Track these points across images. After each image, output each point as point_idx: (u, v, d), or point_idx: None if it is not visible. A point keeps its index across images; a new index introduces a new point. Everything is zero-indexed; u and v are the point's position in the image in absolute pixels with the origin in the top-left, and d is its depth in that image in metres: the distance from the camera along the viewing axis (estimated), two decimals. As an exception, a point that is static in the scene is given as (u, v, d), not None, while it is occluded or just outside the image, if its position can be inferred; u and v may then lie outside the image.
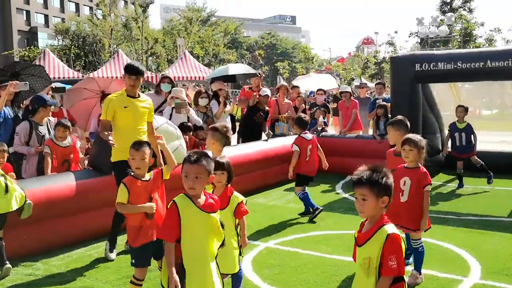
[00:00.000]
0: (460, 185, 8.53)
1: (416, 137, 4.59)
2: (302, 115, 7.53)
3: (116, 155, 5.38)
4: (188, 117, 8.19)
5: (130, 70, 5.31)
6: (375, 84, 12.60)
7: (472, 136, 8.46)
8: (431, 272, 4.81)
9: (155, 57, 47.76)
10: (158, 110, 8.43)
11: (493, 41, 30.87)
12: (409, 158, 4.55)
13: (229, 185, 3.99)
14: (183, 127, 7.62)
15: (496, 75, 8.86)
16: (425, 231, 4.65)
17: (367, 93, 13.79)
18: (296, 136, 7.01)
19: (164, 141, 4.84)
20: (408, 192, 4.53)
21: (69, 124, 6.54)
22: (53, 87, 8.27)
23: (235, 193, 3.98)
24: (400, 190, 4.56)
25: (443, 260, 5.15)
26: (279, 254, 5.47)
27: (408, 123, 5.41)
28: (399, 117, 5.55)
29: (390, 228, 2.78)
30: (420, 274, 4.60)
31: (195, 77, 23.95)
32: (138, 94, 5.50)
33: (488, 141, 8.67)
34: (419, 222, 4.51)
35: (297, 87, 12.70)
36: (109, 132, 5.24)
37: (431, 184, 4.58)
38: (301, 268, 5.02)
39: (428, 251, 5.25)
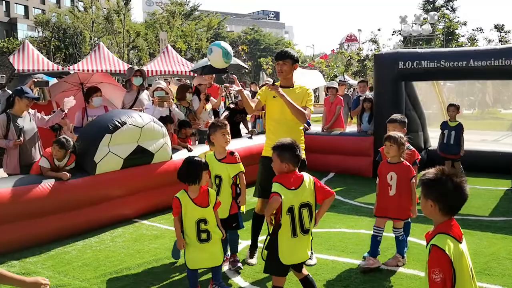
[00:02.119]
0: None
1: (397, 134, 4.91)
2: None
3: (264, 150, 5.18)
4: (170, 111, 8.08)
5: (275, 56, 5.07)
6: (358, 82, 12.63)
7: (461, 136, 8.48)
8: (412, 272, 4.80)
9: (136, 51, 47.22)
10: (134, 106, 8.31)
11: (475, 40, 31.21)
12: (390, 153, 4.87)
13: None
14: (165, 119, 7.51)
15: (478, 74, 8.93)
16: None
17: (346, 91, 13.80)
18: None
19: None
20: (396, 186, 4.85)
21: (67, 143, 5.96)
22: (35, 80, 8.07)
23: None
24: (388, 185, 4.88)
25: (424, 260, 5.11)
26: (261, 252, 5.40)
27: (406, 121, 5.70)
28: (398, 115, 5.83)
29: (440, 238, 2.49)
30: (403, 257, 4.97)
31: (177, 71, 23.75)
32: (292, 85, 5.08)
33: (468, 140, 8.71)
34: (406, 212, 4.91)
35: None
36: None
37: (415, 176, 4.88)
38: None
39: (409, 250, 5.29)
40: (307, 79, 20.18)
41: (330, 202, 3.79)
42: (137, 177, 6.70)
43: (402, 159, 4.89)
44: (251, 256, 5.17)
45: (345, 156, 9.62)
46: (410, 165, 4.92)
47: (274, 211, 3.57)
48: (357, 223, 6.47)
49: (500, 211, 7.10)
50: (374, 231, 5.01)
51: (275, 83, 5.01)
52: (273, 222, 3.58)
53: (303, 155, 3.73)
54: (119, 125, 6.37)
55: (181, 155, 7.44)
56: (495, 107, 15.71)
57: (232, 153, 4.88)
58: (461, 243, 2.52)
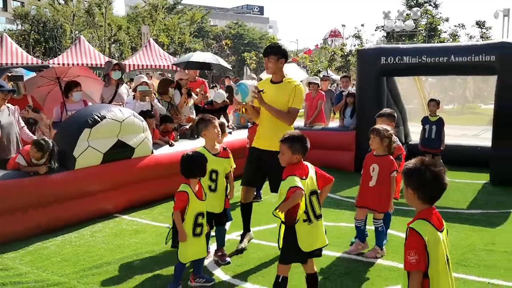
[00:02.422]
0: None
1: (382, 127, 4.99)
2: None
3: (254, 142, 5.36)
4: (152, 106, 8.03)
5: (264, 52, 5.14)
6: (341, 77, 12.68)
7: (442, 131, 8.58)
8: (391, 263, 4.86)
9: (118, 45, 46.75)
10: (113, 100, 8.23)
11: (457, 36, 31.53)
12: (373, 145, 4.99)
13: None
14: (146, 113, 7.47)
15: (459, 70, 9.03)
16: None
17: (329, 86, 13.85)
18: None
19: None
20: (376, 178, 4.94)
21: (46, 145, 5.82)
22: (9, 75, 7.93)
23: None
24: (370, 176, 4.98)
25: (403, 252, 5.19)
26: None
27: (395, 115, 5.79)
28: (387, 109, 5.97)
29: (419, 223, 2.61)
30: (381, 249, 5.05)
31: (160, 66, 23.59)
32: (282, 80, 5.13)
33: (449, 134, 8.83)
34: (383, 205, 4.99)
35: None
36: None
37: (397, 171, 4.91)
38: (264, 260, 4.99)
39: (389, 243, 5.35)
40: (290, 75, 20.33)
41: (329, 188, 3.91)
42: (118, 172, 6.65)
43: (387, 152, 4.96)
44: (242, 240, 5.36)
45: (327, 151, 9.65)
46: (393, 159, 4.98)
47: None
48: (338, 216, 6.51)
49: (478, 204, 7.21)
50: (355, 223, 5.13)
51: (268, 77, 5.17)
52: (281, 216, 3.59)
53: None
54: (99, 119, 6.31)
55: (163, 150, 7.42)
56: (475, 102, 15.93)
57: (224, 148, 4.95)
58: (440, 231, 2.63)
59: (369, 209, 5.09)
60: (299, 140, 3.73)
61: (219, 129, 4.91)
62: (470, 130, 12.63)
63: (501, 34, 32.18)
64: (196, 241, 4.21)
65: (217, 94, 9.21)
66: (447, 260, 2.65)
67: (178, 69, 14.18)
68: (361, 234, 5.16)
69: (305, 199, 3.57)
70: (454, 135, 10.50)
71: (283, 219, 3.61)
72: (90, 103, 7.82)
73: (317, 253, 3.75)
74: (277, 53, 5.03)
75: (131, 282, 4.48)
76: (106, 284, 4.43)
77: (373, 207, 5.04)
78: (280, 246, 3.69)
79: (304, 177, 3.61)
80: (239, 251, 5.20)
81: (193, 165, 4.24)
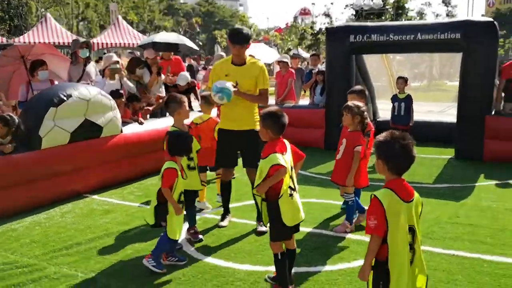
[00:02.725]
0: None
1: (354, 103, 5.07)
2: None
3: (220, 123, 5.43)
4: (121, 84, 7.92)
5: (232, 38, 5.04)
6: (310, 56, 12.72)
7: (410, 107, 8.73)
8: (359, 238, 4.97)
9: (86, 22, 45.61)
10: (81, 79, 8.09)
11: (424, 14, 31.90)
12: (345, 122, 5.09)
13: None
14: (114, 94, 7.37)
15: (425, 47, 9.16)
16: (360, 189, 5.35)
17: (299, 64, 13.87)
18: None
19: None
20: (343, 152, 5.07)
21: (11, 120, 5.80)
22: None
23: None
24: (338, 150, 5.15)
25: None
26: (214, 223, 5.46)
27: (366, 92, 5.87)
28: (358, 86, 6.05)
29: (383, 192, 2.77)
30: (350, 224, 5.14)
31: (129, 44, 23.18)
32: (245, 62, 5.16)
33: (416, 111, 8.99)
34: (346, 178, 5.07)
35: None
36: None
37: (361, 145, 4.98)
38: (235, 237, 5.05)
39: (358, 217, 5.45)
40: (261, 54, 20.26)
41: (301, 164, 3.97)
42: (86, 152, 6.57)
43: (359, 129, 5.05)
44: (223, 219, 5.45)
45: (298, 128, 9.71)
46: (361, 134, 5.05)
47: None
48: (308, 192, 6.60)
49: (444, 178, 7.42)
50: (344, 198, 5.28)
51: (226, 59, 5.22)
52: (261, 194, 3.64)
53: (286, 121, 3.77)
54: (65, 98, 6.20)
55: (132, 129, 7.35)
56: (442, 79, 16.22)
57: (189, 127, 4.97)
58: (407, 202, 2.75)
59: (337, 184, 5.23)
60: (270, 116, 3.73)
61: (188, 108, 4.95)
62: (437, 107, 12.91)
63: (466, 12, 32.67)
64: (179, 219, 4.27)
65: (180, 77, 9.04)
66: (414, 231, 2.74)
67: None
68: (349, 212, 5.19)
69: (289, 174, 3.63)
70: (421, 112, 10.71)
71: (263, 197, 3.65)
72: (57, 82, 7.66)
73: (297, 227, 3.79)
74: (248, 42, 5.10)
75: (102, 262, 4.47)
76: (77, 265, 4.41)
77: (338, 180, 5.17)
78: (266, 224, 3.74)
79: (284, 153, 3.65)
80: (220, 226, 5.33)
81: (180, 143, 4.28)
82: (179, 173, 4.23)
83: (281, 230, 3.65)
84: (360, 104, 5.12)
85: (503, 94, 9.04)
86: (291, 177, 3.67)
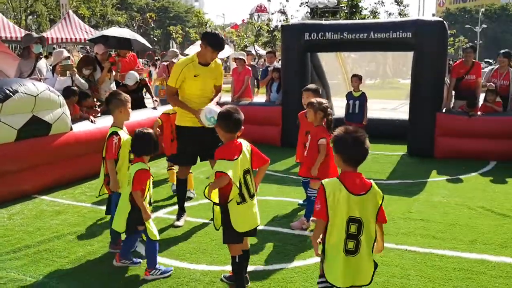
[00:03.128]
0: None
1: (317, 100, 5.16)
2: None
3: (180, 120, 5.32)
4: (72, 81, 7.68)
5: (217, 47, 4.99)
6: (266, 53, 12.75)
7: (365, 105, 8.86)
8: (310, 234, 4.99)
9: (35, 16, 44.08)
10: (32, 75, 7.82)
11: (377, 13, 32.48)
12: (309, 117, 5.20)
13: None
14: (68, 91, 7.14)
15: (378, 46, 9.32)
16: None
17: (253, 61, 13.92)
18: None
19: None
20: (308, 147, 5.19)
21: None
22: None
23: None
24: (305, 146, 5.28)
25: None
26: (169, 223, 5.37)
27: (319, 90, 5.93)
28: (312, 85, 6.14)
29: (331, 180, 2.95)
30: (307, 221, 5.18)
31: (80, 39, 22.56)
32: (209, 62, 5.20)
33: (370, 108, 9.16)
34: (309, 171, 5.13)
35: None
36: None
37: (325, 138, 5.02)
38: (191, 237, 4.98)
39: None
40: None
41: (265, 169, 3.85)
42: (34, 150, 6.31)
43: (322, 124, 5.15)
44: (178, 218, 5.36)
45: (254, 126, 9.71)
46: (324, 128, 5.14)
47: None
48: (265, 190, 6.59)
49: (396, 174, 7.59)
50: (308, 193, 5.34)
51: (191, 59, 5.16)
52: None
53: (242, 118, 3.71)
54: (10, 93, 5.94)
55: (83, 126, 7.13)
56: (395, 77, 16.59)
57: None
58: (356, 195, 2.86)
59: (305, 177, 5.34)
60: (222, 115, 3.69)
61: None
62: (390, 104, 13.19)
63: (417, 11, 33.53)
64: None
65: (128, 76, 8.82)
66: (361, 223, 2.86)
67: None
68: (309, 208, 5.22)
69: (240, 179, 3.52)
70: (375, 109, 10.92)
71: (215, 201, 3.58)
72: (1, 78, 7.36)
73: (252, 232, 3.71)
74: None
75: (52, 265, 4.31)
76: (26, 269, 4.23)
77: (305, 174, 5.25)
78: (217, 227, 3.68)
79: (236, 157, 3.53)
80: (175, 226, 5.24)
81: (148, 142, 4.13)
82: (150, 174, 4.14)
83: (231, 234, 3.59)
84: (323, 100, 5.21)
85: (453, 92, 9.34)
86: (246, 182, 3.58)
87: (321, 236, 2.96)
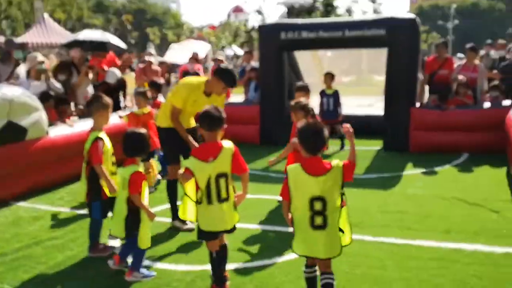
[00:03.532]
0: (342, 146, 9.22)
1: (296, 101, 5.31)
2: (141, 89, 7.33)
3: (162, 122, 5.32)
4: (47, 85, 7.63)
5: (230, 84, 5.00)
6: (244, 53, 12.80)
7: (339, 102, 8.97)
8: (290, 230, 5.05)
9: (10, 21, 43.36)
10: (10, 79, 7.76)
11: (352, 11, 32.75)
12: (293, 117, 5.29)
13: None
14: (44, 96, 7.09)
15: (353, 43, 9.42)
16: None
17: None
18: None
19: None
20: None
21: None
22: None
23: None
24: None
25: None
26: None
27: (308, 88, 6.21)
28: (301, 83, 6.39)
29: (292, 166, 3.40)
30: None
31: (56, 43, 22.27)
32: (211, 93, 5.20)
33: (346, 105, 9.28)
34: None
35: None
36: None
37: None
38: (170, 237, 5.02)
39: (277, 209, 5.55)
40: (196, 48, 20.17)
41: (246, 180, 3.88)
42: (10, 155, 6.26)
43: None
44: (184, 221, 5.21)
45: (233, 125, 9.73)
46: None
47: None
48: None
49: (373, 169, 7.71)
50: None
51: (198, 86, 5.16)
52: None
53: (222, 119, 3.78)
54: (-16, 98, 5.88)
55: (59, 131, 7.08)
56: (370, 74, 16.75)
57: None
58: (316, 177, 3.25)
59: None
60: (201, 117, 3.75)
61: None
62: (366, 100, 13.33)
63: (391, 9, 33.88)
64: (150, 224, 4.11)
65: (109, 74, 8.78)
66: (324, 201, 3.23)
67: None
68: None
69: (210, 182, 3.56)
70: (351, 106, 11.03)
71: (185, 192, 3.65)
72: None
73: (220, 235, 3.74)
74: None
75: (31, 272, 4.28)
76: (3, 276, 4.19)
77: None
78: (180, 216, 3.88)
79: (209, 159, 3.58)
80: (190, 230, 5.13)
81: (141, 143, 4.10)
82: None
83: (200, 231, 3.68)
84: (301, 99, 5.34)
85: (427, 87, 9.51)
86: (218, 186, 3.60)
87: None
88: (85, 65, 8.49)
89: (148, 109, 6.82)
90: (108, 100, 4.62)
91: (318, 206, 3.22)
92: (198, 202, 3.61)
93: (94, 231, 4.59)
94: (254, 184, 6.86)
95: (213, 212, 3.61)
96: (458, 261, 4.25)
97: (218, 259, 3.76)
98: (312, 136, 3.31)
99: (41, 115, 6.65)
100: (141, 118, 6.70)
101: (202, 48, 25.25)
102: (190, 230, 5.11)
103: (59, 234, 5.17)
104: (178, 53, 21.96)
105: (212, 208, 3.60)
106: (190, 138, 5.14)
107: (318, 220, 3.23)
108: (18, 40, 20.87)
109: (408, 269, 4.13)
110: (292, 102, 5.30)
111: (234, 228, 3.76)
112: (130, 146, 4.08)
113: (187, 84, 5.21)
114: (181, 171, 3.60)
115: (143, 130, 4.18)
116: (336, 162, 3.34)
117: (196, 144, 5.04)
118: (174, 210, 5.34)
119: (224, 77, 5.02)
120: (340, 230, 3.34)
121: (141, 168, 4.11)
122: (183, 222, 5.22)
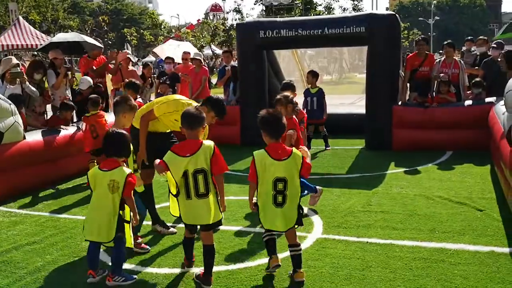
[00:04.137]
0: (326, 146, 9.13)
1: (283, 95, 5.45)
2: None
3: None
4: (22, 89, 7.44)
5: (221, 115, 4.79)
6: (223, 52, 12.71)
7: (323, 101, 8.94)
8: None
9: (-16, 23, 42.45)
10: None
11: (331, 9, 32.90)
12: (282, 113, 5.18)
13: None
14: (17, 99, 6.91)
15: (333, 41, 9.40)
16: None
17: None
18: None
19: None
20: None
21: None
22: None
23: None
24: None
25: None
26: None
27: (295, 86, 6.45)
28: (288, 81, 6.64)
29: (258, 151, 3.84)
30: (315, 192, 5.61)
31: (32, 45, 21.86)
32: None
33: (328, 104, 9.24)
34: None
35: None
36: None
37: (293, 130, 5.24)
38: (152, 241, 4.91)
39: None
40: (180, 49, 19.94)
41: (221, 181, 3.91)
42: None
43: (293, 116, 5.40)
44: (165, 225, 5.20)
45: (213, 126, 9.61)
46: (295, 121, 5.39)
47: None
48: (226, 189, 6.51)
49: (356, 168, 7.69)
50: None
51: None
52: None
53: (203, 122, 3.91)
54: (-42, 103, 5.69)
55: (36, 135, 6.94)
56: (352, 72, 16.82)
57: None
58: (279, 160, 3.73)
59: None
60: (182, 116, 3.90)
61: None
62: (348, 99, 13.36)
63: (371, 6, 34.16)
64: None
65: (81, 81, 8.56)
66: (285, 181, 3.72)
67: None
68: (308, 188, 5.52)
69: (186, 176, 3.72)
70: (333, 104, 11.03)
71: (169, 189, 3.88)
72: None
73: (198, 227, 3.94)
74: None
75: (10, 277, 4.16)
76: (-20, 284, 4.07)
77: None
78: (171, 213, 4.09)
79: (187, 154, 3.73)
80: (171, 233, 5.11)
81: (124, 143, 4.05)
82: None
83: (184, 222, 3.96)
84: (287, 93, 5.48)
85: (408, 85, 9.52)
86: (196, 181, 3.73)
87: (255, 198, 3.87)
88: (64, 67, 8.32)
89: (97, 110, 6.90)
90: (134, 103, 4.83)
91: (280, 186, 3.72)
92: (175, 195, 3.83)
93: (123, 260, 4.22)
94: (235, 185, 6.80)
95: (192, 207, 3.80)
96: (443, 260, 4.23)
97: (204, 257, 3.91)
98: (274, 122, 3.78)
99: (17, 119, 6.50)
100: (91, 118, 6.81)
101: (191, 49, 25.01)
102: (172, 233, 5.07)
103: (38, 239, 5.04)
104: (170, 52, 21.64)
105: (191, 203, 3.79)
106: (143, 147, 4.91)
107: (279, 198, 3.75)
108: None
109: (393, 269, 4.09)
110: (279, 96, 5.35)
111: (216, 224, 3.90)
112: (113, 146, 4.03)
113: (178, 103, 4.92)
114: (157, 161, 3.77)
115: (125, 131, 4.17)
116: (295, 149, 3.84)
117: (144, 153, 4.89)
118: (153, 214, 5.23)
119: (216, 107, 4.75)
120: (300, 207, 3.85)
121: (129, 170, 4.05)
122: (165, 226, 5.15)
